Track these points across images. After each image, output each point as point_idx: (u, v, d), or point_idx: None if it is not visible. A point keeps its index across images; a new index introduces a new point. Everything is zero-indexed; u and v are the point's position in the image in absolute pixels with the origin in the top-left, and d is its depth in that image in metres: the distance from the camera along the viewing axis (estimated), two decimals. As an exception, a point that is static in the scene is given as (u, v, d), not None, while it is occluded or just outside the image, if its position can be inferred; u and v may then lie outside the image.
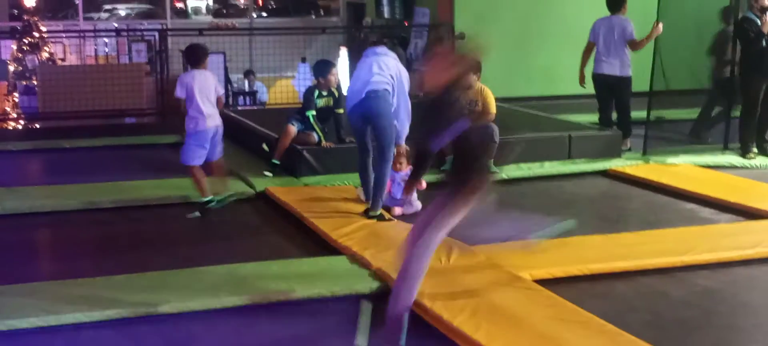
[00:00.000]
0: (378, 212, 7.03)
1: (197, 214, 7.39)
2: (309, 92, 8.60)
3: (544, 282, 5.57)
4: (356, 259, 5.99)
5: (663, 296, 5.57)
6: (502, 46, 13.79)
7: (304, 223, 7.02)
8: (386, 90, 6.99)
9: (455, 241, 6.25)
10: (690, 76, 14.18)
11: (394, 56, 7.20)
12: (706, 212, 7.63)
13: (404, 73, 7.19)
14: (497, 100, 8.86)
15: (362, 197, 7.42)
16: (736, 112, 10.07)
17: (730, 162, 9.46)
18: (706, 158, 9.47)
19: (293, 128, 8.54)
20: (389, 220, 7.04)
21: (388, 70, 7.03)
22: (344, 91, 8.03)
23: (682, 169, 9.06)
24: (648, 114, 9.87)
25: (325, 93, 8.49)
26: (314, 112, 8.50)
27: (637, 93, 10.07)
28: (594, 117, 10.42)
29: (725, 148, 9.98)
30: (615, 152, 9.50)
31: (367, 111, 6.97)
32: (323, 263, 6.00)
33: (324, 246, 6.47)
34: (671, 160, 9.33)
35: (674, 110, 11.42)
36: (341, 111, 8.37)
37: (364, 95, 6.96)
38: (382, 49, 7.19)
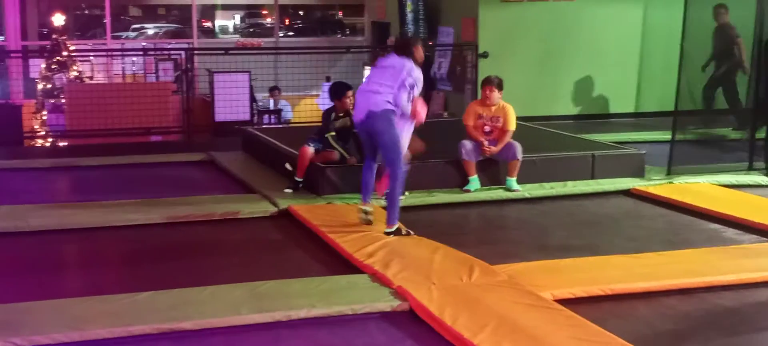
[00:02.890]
0: (394, 228, 7.07)
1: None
2: (326, 114, 8.73)
3: (565, 302, 5.55)
4: (377, 277, 6.00)
5: (686, 317, 5.54)
6: (525, 65, 13.85)
7: (325, 241, 7.05)
8: (386, 110, 7.01)
9: (477, 260, 6.28)
10: (720, 96, 14.15)
11: (402, 64, 7.15)
12: (731, 232, 7.58)
13: (411, 77, 7.16)
14: (520, 119, 8.88)
15: (364, 211, 7.40)
16: (761, 133, 10.02)
17: (755, 181, 9.40)
18: (731, 178, 9.41)
19: (310, 149, 8.59)
20: (407, 234, 7.06)
21: (391, 81, 7.07)
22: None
23: (706, 189, 9.02)
24: (673, 134, 9.82)
25: (342, 114, 8.56)
26: (333, 133, 8.58)
27: (662, 113, 10.02)
28: (617, 136, 10.38)
29: (750, 168, 9.91)
30: (638, 172, 9.47)
31: (370, 129, 7.09)
32: (344, 281, 6.02)
33: (345, 264, 6.49)
34: (695, 179, 9.29)
35: (699, 130, 11.35)
36: None
37: (364, 116, 7.07)
38: (390, 60, 7.23)
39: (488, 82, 8.82)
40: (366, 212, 7.32)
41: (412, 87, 7.14)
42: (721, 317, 5.55)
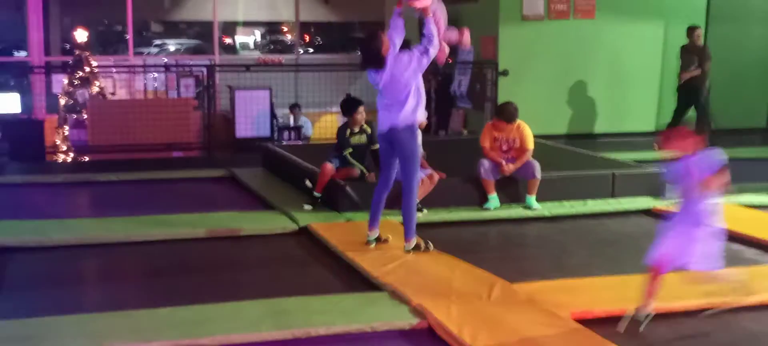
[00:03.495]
0: (413, 243, 7.08)
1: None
2: (341, 131, 8.68)
3: (585, 321, 5.54)
4: (397, 295, 6.01)
5: (705, 338, 5.51)
6: (545, 83, 13.85)
7: (345, 258, 7.06)
8: (407, 126, 6.94)
9: (496, 278, 6.27)
10: (740, 114, 14.15)
11: (396, 64, 6.90)
12: (751, 252, 7.54)
13: (413, 60, 6.88)
14: (540, 137, 8.87)
15: (368, 240, 7.33)
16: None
17: (777, 202, 9.35)
18: (752, 198, 9.35)
19: (330, 166, 8.62)
20: (426, 248, 7.07)
21: (404, 84, 6.87)
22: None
23: (727, 208, 8.92)
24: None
25: (357, 130, 8.57)
26: (351, 150, 8.59)
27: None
28: (638, 155, 10.36)
29: (773, 188, 9.86)
30: (659, 191, 9.43)
31: (393, 138, 6.99)
32: (364, 299, 6.03)
33: (365, 281, 6.50)
34: (715, 199, 9.21)
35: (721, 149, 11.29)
36: (376, 147, 8.38)
37: (386, 130, 7.00)
38: (385, 72, 6.91)
39: (500, 116, 8.83)
40: (369, 241, 7.26)
41: (423, 55, 6.87)
42: (741, 339, 5.52)
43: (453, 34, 7.50)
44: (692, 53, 12.58)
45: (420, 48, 6.87)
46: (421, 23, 6.94)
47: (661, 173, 5.78)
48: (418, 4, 6.84)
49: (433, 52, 6.91)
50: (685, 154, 5.49)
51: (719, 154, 5.48)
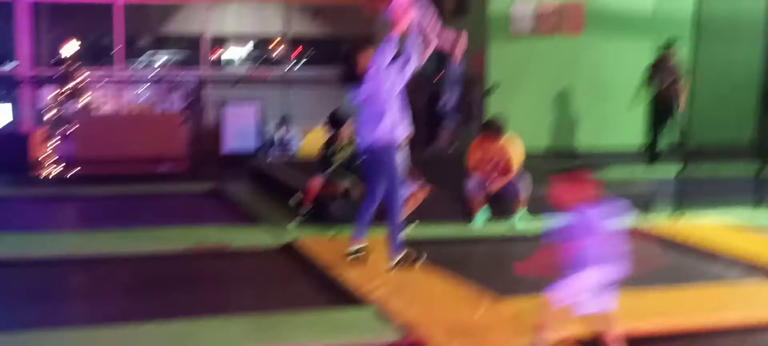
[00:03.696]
0: (399, 257, 7.08)
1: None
2: (328, 146, 8.76)
3: (570, 338, 5.53)
4: (383, 310, 6.00)
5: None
6: (534, 99, 13.89)
7: (331, 274, 7.05)
8: (386, 143, 6.94)
9: (483, 294, 6.27)
10: (726, 132, 14.23)
11: (369, 82, 6.87)
12: (736, 272, 7.56)
13: (391, 76, 6.87)
14: (529, 153, 8.87)
15: (348, 252, 7.27)
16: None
17: (762, 221, 9.38)
18: (737, 216, 9.39)
19: (317, 181, 8.63)
20: (416, 259, 7.07)
21: (381, 100, 6.86)
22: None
23: (712, 227, 9.00)
24: (680, 171, 9.82)
25: (344, 144, 8.59)
26: (337, 164, 8.61)
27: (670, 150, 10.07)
28: (625, 172, 10.40)
29: (757, 206, 9.90)
30: (645, 208, 9.46)
31: (372, 155, 7.00)
32: (350, 314, 6.02)
33: (352, 297, 6.49)
34: (701, 217, 9.27)
35: (707, 167, 11.35)
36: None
37: (365, 146, 7.01)
38: (364, 88, 6.91)
39: (486, 132, 8.85)
40: (349, 252, 7.19)
41: (402, 70, 6.88)
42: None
43: (449, 37, 7.45)
44: (664, 70, 12.63)
45: (400, 63, 6.88)
46: (403, 40, 6.93)
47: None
48: (399, 27, 6.83)
49: (413, 65, 6.93)
50: (580, 205, 4.89)
51: (620, 211, 4.94)
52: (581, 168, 5.09)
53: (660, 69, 12.67)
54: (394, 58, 6.92)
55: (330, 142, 8.67)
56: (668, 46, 12.60)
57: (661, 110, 12.68)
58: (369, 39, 17.03)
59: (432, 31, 7.12)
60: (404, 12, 6.76)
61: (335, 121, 8.63)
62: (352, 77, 6.93)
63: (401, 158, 7.16)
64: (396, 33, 6.81)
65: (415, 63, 6.94)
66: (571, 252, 4.89)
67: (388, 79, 6.84)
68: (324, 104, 14.75)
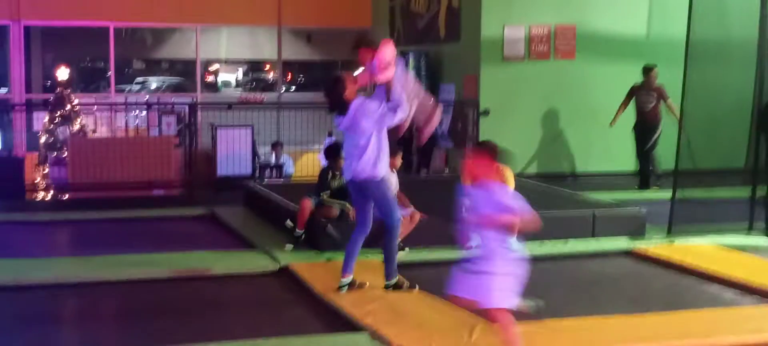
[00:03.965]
0: (394, 281, 7.09)
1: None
2: (323, 174, 8.81)
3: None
4: (377, 335, 5.99)
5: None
6: (526, 122, 13.93)
7: (326, 298, 7.04)
8: (368, 178, 6.90)
9: (477, 319, 6.26)
10: (718, 155, 14.25)
11: (354, 112, 6.87)
12: (730, 294, 7.57)
13: (378, 112, 6.85)
14: (521, 176, 8.88)
15: (340, 285, 7.18)
16: (762, 192, 10.09)
17: (755, 243, 9.40)
18: (731, 239, 9.41)
19: (309, 201, 8.64)
20: (409, 289, 7.08)
21: (362, 131, 6.86)
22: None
23: (706, 250, 9.01)
24: (674, 194, 9.85)
25: (338, 173, 8.60)
26: (328, 192, 8.64)
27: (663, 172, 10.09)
28: (618, 195, 10.42)
29: (750, 229, 9.92)
30: (639, 231, 9.48)
31: (359, 186, 7.00)
32: (344, 340, 6.01)
33: (346, 322, 6.47)
34: (696, 240, 9.28)
35: (700, 190, 11.37)
36: None
37: (349, 179, 7.02)
38: (347, 118, 6.91)
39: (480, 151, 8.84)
40: (341, 286, 7.11)
41: (390, 111, 6.83)
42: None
43: (427, 103, 7.58)
44: (648, 92, 12.69)
45: (390, 105, 6.84)
46: (388, 90, 6.89)
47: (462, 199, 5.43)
48: (382, 78, 6.87)
49: (401, 115, 6.89)
50: (483, 181, 5.15)
51: (514, 196, 5.15)
52: (493, 144, 5.40)
53: (641, 92, 12.72)
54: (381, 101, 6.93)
55: (325, 171, 8.75)
56: (649, 69, 12.66)
57: (644, 132, 12.73)
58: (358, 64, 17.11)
59: (412, 92, 7.21)
60: (388, 64, 6.80)
61: (330, 153, 8.70)
62: (339, 105, 6.92)
63: (390, 185, 7.17)
64: (380, 83, 6.88)
65: (403, 114, 6.91)
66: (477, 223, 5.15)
67: (372, 115, 6.83)
68: (317, 128, 14.81)
